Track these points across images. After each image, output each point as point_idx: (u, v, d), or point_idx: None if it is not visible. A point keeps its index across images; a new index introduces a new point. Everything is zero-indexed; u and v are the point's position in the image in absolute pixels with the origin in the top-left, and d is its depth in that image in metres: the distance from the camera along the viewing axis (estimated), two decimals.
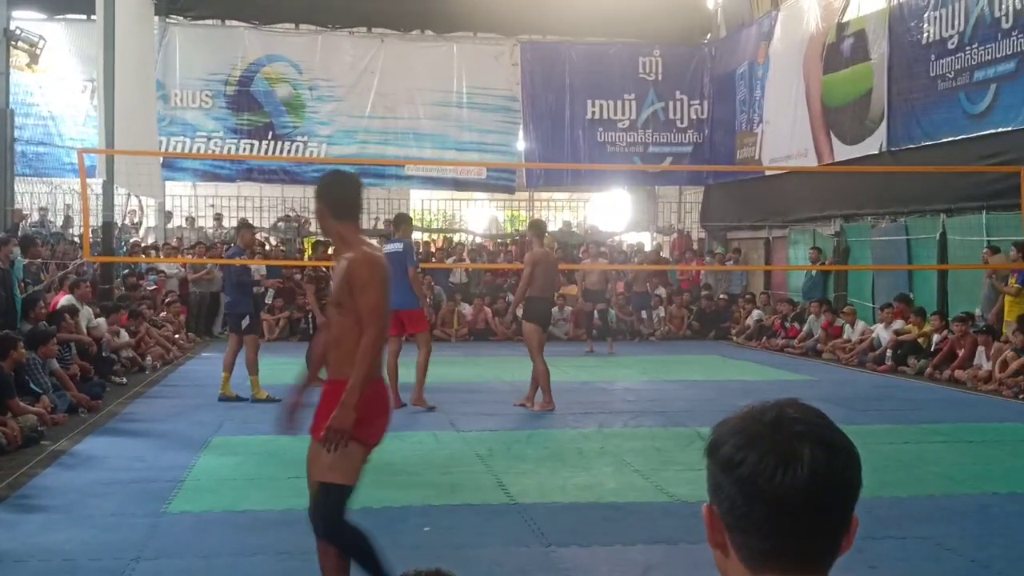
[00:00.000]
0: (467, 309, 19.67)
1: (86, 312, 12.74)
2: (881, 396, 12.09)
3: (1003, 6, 14.00)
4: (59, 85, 21.35)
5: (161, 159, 21.28)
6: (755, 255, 22.12)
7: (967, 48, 14.73)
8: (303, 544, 5.74)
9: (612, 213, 26.27)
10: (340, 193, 4.55)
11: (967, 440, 9.22)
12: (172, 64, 22.24)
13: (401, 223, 11.20)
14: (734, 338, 19.28)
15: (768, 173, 20.58)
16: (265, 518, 6.27)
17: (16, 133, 16.33)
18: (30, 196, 19.71)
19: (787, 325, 18.00)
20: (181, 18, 22.45)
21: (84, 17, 20.09)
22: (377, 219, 24.06)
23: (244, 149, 22.46)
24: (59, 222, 20.34)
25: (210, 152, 22.22)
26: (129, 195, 20.48)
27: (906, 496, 6.88)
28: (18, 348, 9.14)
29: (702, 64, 23.90)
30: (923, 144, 15.71)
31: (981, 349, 12.89)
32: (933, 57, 15.48)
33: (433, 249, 22.38)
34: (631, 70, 23.62)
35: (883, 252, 16.75)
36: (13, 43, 16.27)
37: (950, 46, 15.10)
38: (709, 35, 24.31)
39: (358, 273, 4.25)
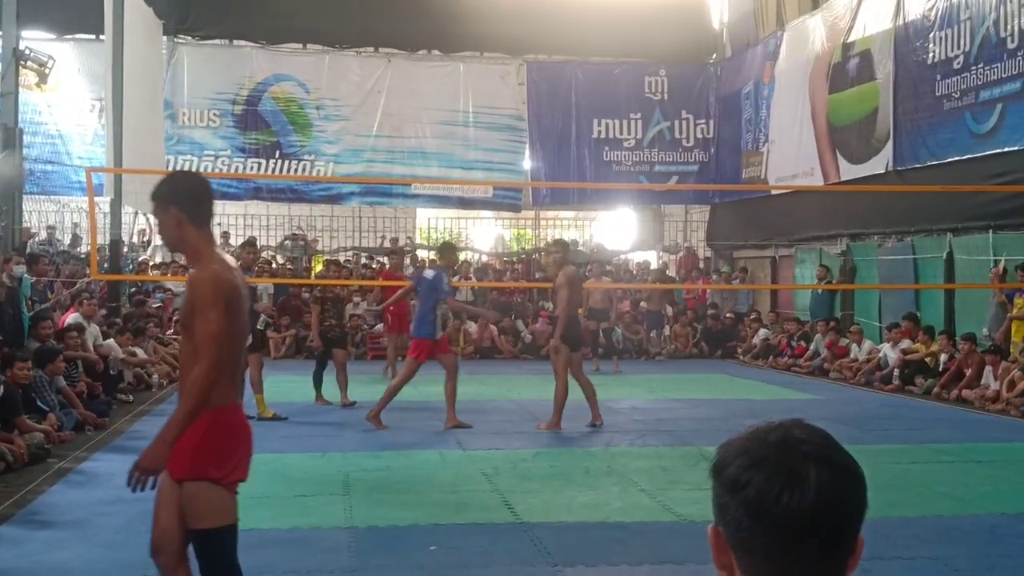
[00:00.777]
0: (473, 327, 19.67)
1: (93, 330, 12.78)
2: (888, 416, 12.05)
3: (1009, 26, 14.02)
4: (67, 104, 21.47)
5: None
6: (761, 274, 22.11)
7: (973, 68, 14.75)
8: (310, 563, 5.74)
9: (618, 232, 26.29)
10: (199, 195, 3.90)
11: (975, 460, 9.19)
12: (180, 83, 22.36)
13: (443, 252, 11.15)
14: (740, 357, 19.24)
15: (774, 192, 20.59)
16: (270, 536, 6.26)
17: (24, 151, 16.42)
18: (38, 214, 19.80)
19: (793, 344, 17.97)
20: (189, 38, 22.57)
21: (93, 37, 20.21)
22: (383, 238, 24.14)
23: (251, 168, 22.55)
24: (67, 240, 20.42)
25: (217, 171, 22.30)
26: (137, 213, 20.56)
27: (914, 516, 6.85)
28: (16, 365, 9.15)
29: (708, 83, 23.96)
30: (929, 163, 15.71)
31: (989, 369, 12.85)
32: (939, 77, 15.51)
33: None
34: (637, 89, 23.69)
35: (890, 271, 16.73)
36: (22, 63, 16.37)
37: (956, 66, 15.12)
38: (715, 55, 24.38)
39: (200, 293, 3.71)
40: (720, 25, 24.04)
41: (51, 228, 20.06)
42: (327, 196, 23.34)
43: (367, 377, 14.20)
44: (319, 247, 23.29)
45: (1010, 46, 13.99)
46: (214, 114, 22.47)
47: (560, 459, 9.06)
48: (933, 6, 15.67)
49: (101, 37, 17.69)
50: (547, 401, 11.67)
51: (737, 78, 22.70)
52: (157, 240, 22.40)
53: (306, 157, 22.83)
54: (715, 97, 23.76)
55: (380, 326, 18.09)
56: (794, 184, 19.62)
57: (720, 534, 1.38)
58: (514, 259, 23.60)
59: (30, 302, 12.32)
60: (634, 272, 22.86)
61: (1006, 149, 14.05)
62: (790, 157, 20.04)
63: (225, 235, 22.64)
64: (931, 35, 15.67)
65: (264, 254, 21.71)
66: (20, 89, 16.64)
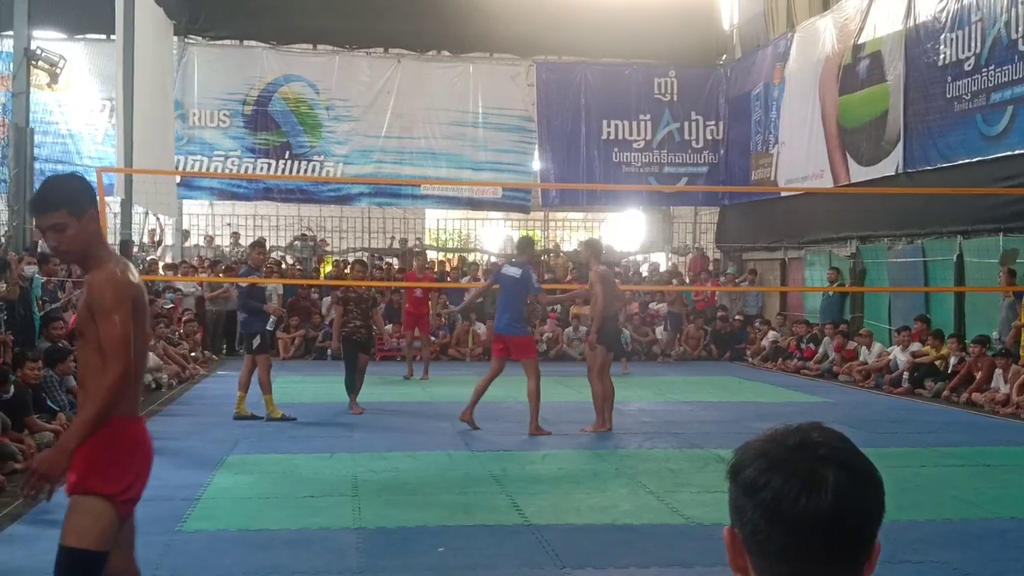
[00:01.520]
0: (482, 329, 19.67)
1: None
2: (898, 419, 12.01)
3: (1020, 28, 13.97)
4: (78, 103, 21.53)
5: (178, 178, 21.43)
6: (771, 276, 22.07)
7: (984, 70, 14.70)
8: (318, 563, 5.75)
9: (627, 233, 26.27)
10: (89, 196, 3.69)
11: (985, 464, 9.15)
12: (191, 84, 22.40)
13: (525, 248, 11.05)
14: (749, 359, 19.22)
15: (784, 194, 20.55)
16: (280, 537, 6.27)
17: (35, 151, 16.47)
18: None
19: (803, 347, 17.94)
20: (200, 38, 22.62)
21: (104, 37, 20.27)
22: (393, 238, 24.18)
23: (261, 168, 22.59)
24: None
25: (227, 171, 22.35)
26: (147, 213, 20.62)
27: (923, 520, 6.83)
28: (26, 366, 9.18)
29: (718, 85, 23.93)
30: (940, 166, 15.67)
31: (999, 372, 12.81)
32: (949, 79, 15.46)
33: (448, 268, 22.41)
34: (647, 91, 23.67)
35: (899, 274, 16.69)
36: (34, 63, 16.42)
37: (966, 68, 15.07)
38: (725, 56, 24.34)
39: (101, 296, 3.48)
40: (730, 26, 24.00)
41: None
42: (336, 197, 23.37)
43: (376, 377, 14.18)
44: (328, 248, 23.34)
45: (1021, 48, 13.93)
46: (224, 114, 22.51)
47: (568, 461, 9.05)
48: (944, 8, 15.63)
49: (112, 37, 17.75)
50: (554, 403, 11.70)
51: (747, 79, 22.67)
52: (168, 240, 22.51)
53: (316, 158, 22.86)
54: (725, 98, 23.72)
55: (389, 326, 18.12)
56: (804, 186, 19.58)
57: (736, 536, 1.37)
58: None
59: (40, 302, 12.35)
60: (643, 274, 22.84)
61: (1017, 151, 14.00)
62: (800, 159, 20.00)
63: (235, 235, 22.71)
64: (942, 37, 15.63)
65: (273, 255, 21.78)
66: (31, 89, 16.69)
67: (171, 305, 18.27)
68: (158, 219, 21.67)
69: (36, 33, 17.63)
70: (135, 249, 18.40)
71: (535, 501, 7.30)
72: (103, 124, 21.46)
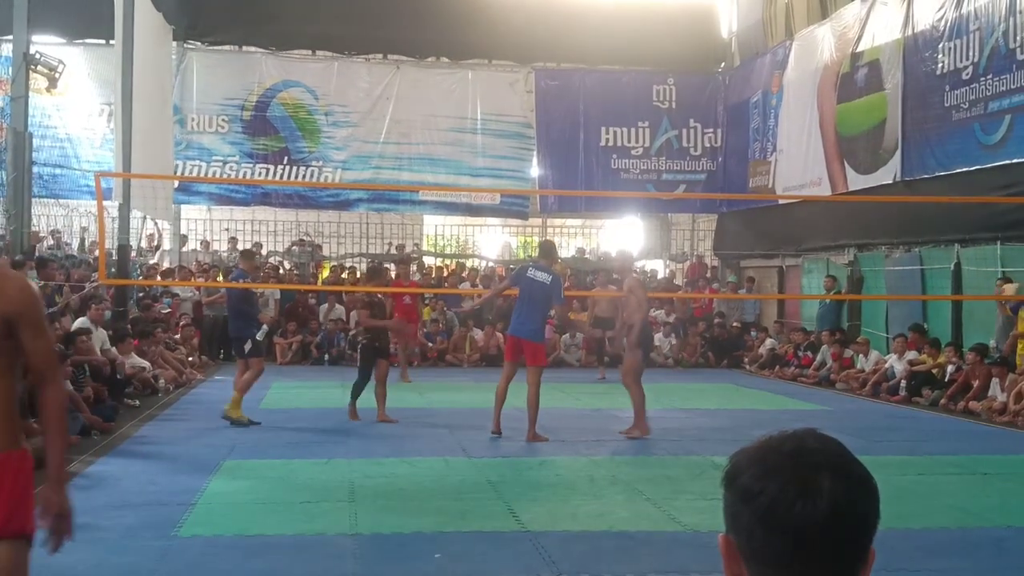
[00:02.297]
0: (479, 335, 19.68)
1: (100, 335, 12.79)
2: (895, 427, 12.01)
3: (1018, 37, 14.00)
4: (77, 108, 21.53)
5: (176, 183, 21.43)
6: (768, 284, 22.09)
7: (982, 79, 14.73)
8: (314, 569, 5.74)
9: (625, 240, 26.29)
10: None
11: (982, 472, 9.15)
12: (189, 89, 22.41)
13: (548, 251, 11.00)
14: (747, 366, 19.22)
15: (782, 202, 20.57)
16: (276, 543, 6.26)
17: (33, 155, 16.46)
18: (46, 218, 19.84)
19: (800, 354, 17.94)
20: (199, 43, 22.64)
21: (103, 42, 20.26)
22: (390, 244, 24.16)
23: (259, 173, 22.58)
24: (75, 244, 20.45)
25: (226, 176, 22.35)
26: (145, 218, 20.61)
27: (920, 528, 6.82)
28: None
29: (716, 92, 23.96)
30: (937, 174, 15.68)
31: (996, 380, 12.81)
32: (947, 87, 15.49)
33: (446, 274, 22.41)
34: (645, 98, 23.70)
35: (897, 282, 16.69)
36: (33, 67, 16.41)
37: (964, 76, 15.10)
38: (723, 64, 24.37)
39: (33, 303, 3.06)
40: (729, 34, 24.05)
41: (57, 232, 20.09)
42: (335, 202, 23.37)
43: (372, 383, 14.13)
44: (326, 253, 23.33)
45: (1019, 57, 13.96)
46: (223, 119, 22.51)
47: (565, 468, 9.04)
48: (942, 17, 15.66)
49: (111, 42, 17.75)
50: (552, 409, 11.66)
51: (745, 87, 22.70)
52: (166, 245, 22.50)
53: (314, 163, 22.86)
54: (723, 106, 23.76)
55: None
56: (802, 194, 19.59)
57: (731, 543, 1.37)
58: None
59: None
60: (648, 279, 22.88)
61: (1015, 160, 14.01)
62: (798, 167, 20.02)
63: (233, 240, 22.71)
64: (940, 45, 15.66)
65: (271, 260, 21.78)
66: (30, 93, 16.67)
67: (168, 310, 18.29)
68: (156, 224, 21.66)
69: (35, 38, 17.58)
70: (133, 253, 18.38)
71: (532, 508, 7.29)
72: (101, 128, 21.46)
